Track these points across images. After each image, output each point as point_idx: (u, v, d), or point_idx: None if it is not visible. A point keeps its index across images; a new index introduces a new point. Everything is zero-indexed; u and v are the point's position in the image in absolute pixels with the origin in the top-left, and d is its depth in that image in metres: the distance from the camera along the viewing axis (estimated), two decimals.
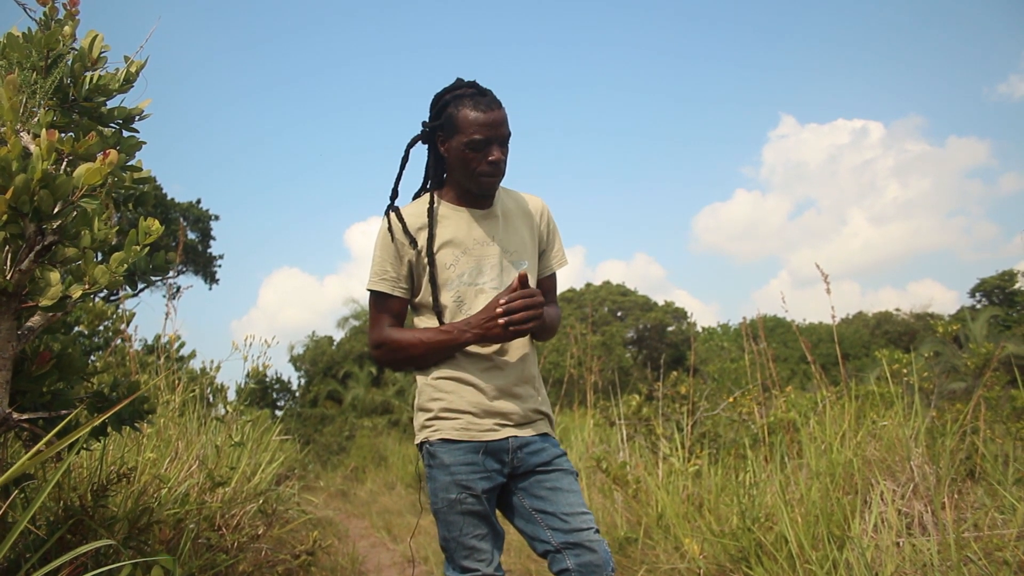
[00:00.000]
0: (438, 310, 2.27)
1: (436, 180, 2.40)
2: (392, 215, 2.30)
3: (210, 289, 28.82)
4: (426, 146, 2.39)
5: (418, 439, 2.30)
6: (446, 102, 2.26)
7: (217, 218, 28.02)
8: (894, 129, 72.78)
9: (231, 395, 6.44)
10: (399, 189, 2.37)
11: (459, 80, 2.30)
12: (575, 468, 2.36)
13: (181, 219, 25.81)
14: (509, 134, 2.25)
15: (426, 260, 2.27)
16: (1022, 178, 64.60)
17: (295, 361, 27.18)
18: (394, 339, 2.25)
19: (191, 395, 5.06)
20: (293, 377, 27.04)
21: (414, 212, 2.31)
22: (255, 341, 5.50)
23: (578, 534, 2.18)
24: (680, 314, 36.34)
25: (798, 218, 74.54)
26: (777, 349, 26.89)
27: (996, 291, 32.99)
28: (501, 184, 2.43)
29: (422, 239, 2.27)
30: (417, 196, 2.44)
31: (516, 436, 2.24)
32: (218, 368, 6.57)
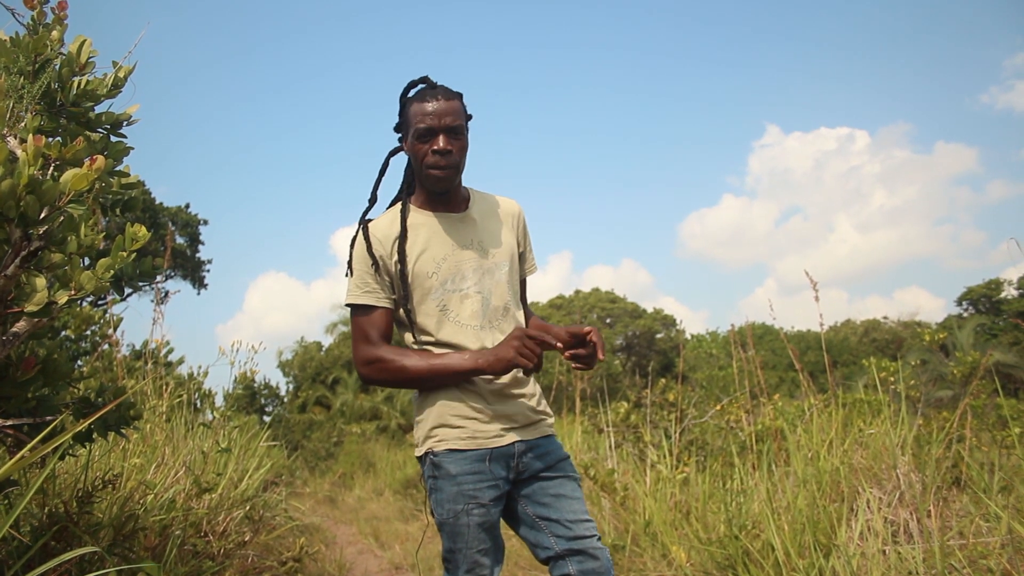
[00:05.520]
0: (422, 319, 2.22)
1: (409, 186, 2.35)
2: (362, 232, 2.24)
3: (198, 294, 28.82)
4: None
5: (420, 450, 2.23)
6: (402, 104, 2.26)
7: (206, 223, 28.03)
8: (880, 136, 73.15)
9: (219, 401, 6.44)
10: (378, 195, 2.34)
11: (412, 82, 2.27)
12: (577, 473, 2.34)
13: (170, 223, 25.77)
14: (459, 125, 2.19)
15: (400, 271, 2.21)
16: (1009, 185, 64.99)
17: (283, 367, 27.17)
18: (392, 360, 2.16)
19: (178, 401, 5.04)
20: (281, 383, 27.02)
21: (386, 223, 2.26)
22: (242, 346, 5.49)
23: (581, 541, 2.17)
24: (669, 321, 36.45)
25: (784, 225, 74.82)
26: (765, 356, 26.98)
27: (983, 299, 33.24)
28: (475, 188, 2.41)
29: (396, 251, 2.21)
30: (392, 204, 2.39)
31: (522, 440, 2.22)
32: (206, 374, 6.56)
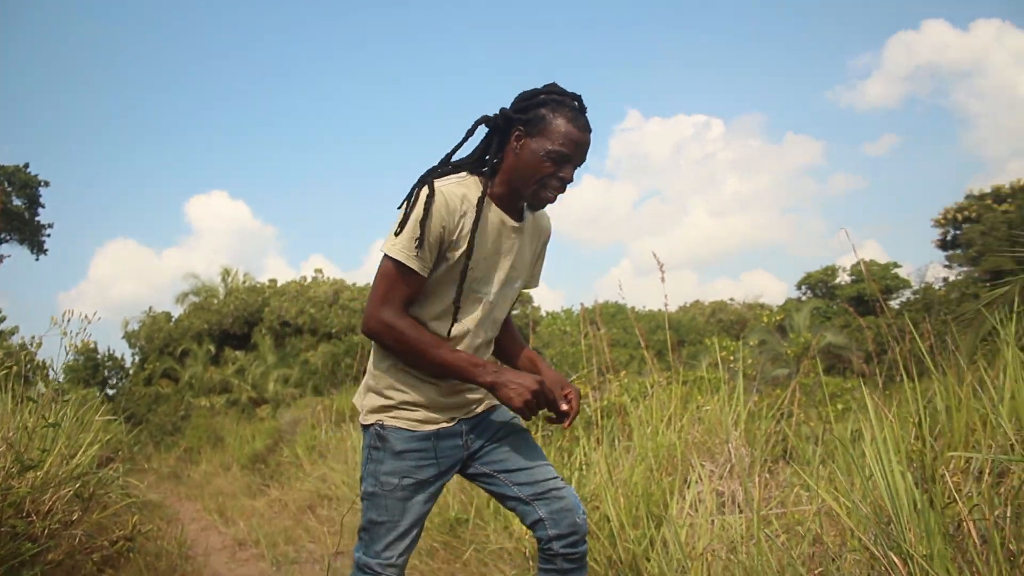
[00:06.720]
0: (434, 303, 2.18)
1: (491, 169, 2.24)
2: (428, 193, 2.10)
3: (36, 259, 27.24)
4: (487, 130, 2.24)
5: (368, 419, 2.25)
6: (542, 101, 2.15)
7: (47, 184, 26.42)
8: (734, 125, 75.90)
9: (57, 372, 6.10)
10: (451, 160, 2.25)
11: (560, 87, 2.19)
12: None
13: (5, 183, 24.23)
14: (584, 162, 2.20)
15: (461, 252, 2.14)
16: (850, 178, 68.89)
17: (129, 337, 26.05)
18: (412, 336, 2.10)
19: (6, 373, 4.74)
20: (127, 354, 25.93)
21: (458, 195, 2.14)
22: (74, 316, 5.20)
23: (544, 483, 2.27)
24: (525, 298, 36.91)
25: (642, 207, 76.80)
26: (617, 335, 27.78)
27: (820, 284, 35.26)
28: None
29: (459, 230, 2.13)
30: (452, 168, 2.25)
31: (465, 419, 2.28)
32: (39, 344, 6.19)
